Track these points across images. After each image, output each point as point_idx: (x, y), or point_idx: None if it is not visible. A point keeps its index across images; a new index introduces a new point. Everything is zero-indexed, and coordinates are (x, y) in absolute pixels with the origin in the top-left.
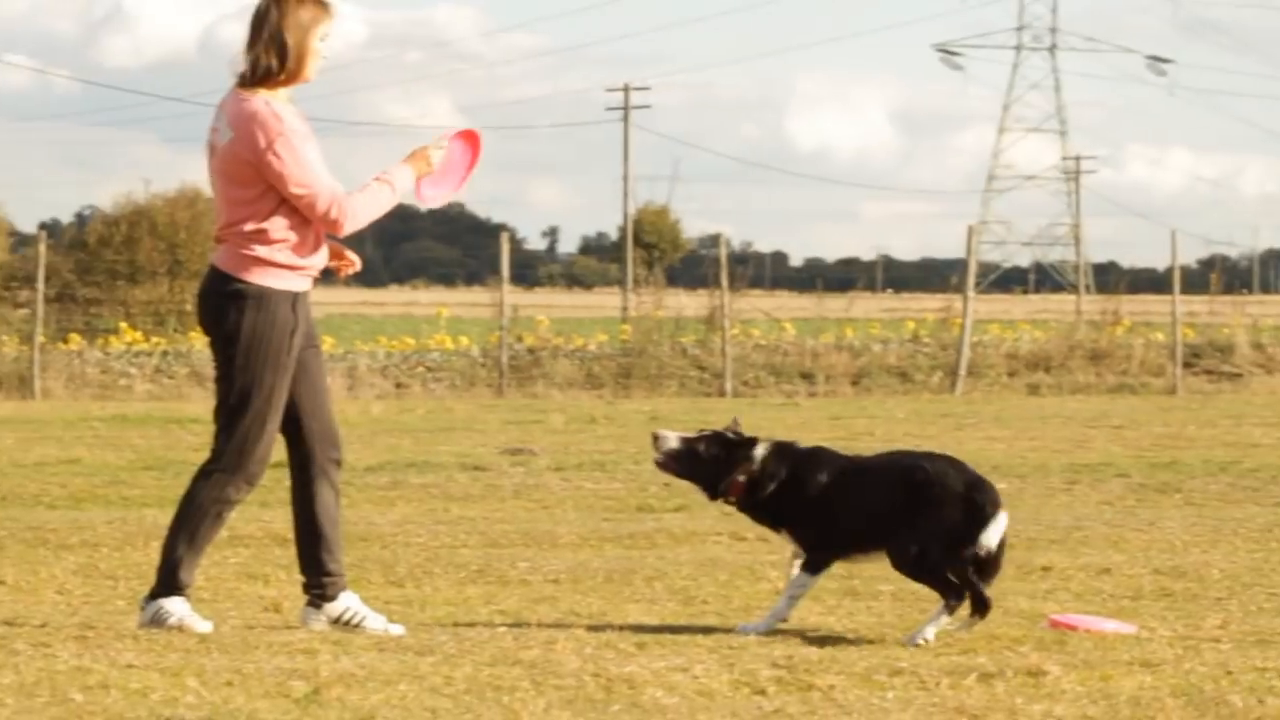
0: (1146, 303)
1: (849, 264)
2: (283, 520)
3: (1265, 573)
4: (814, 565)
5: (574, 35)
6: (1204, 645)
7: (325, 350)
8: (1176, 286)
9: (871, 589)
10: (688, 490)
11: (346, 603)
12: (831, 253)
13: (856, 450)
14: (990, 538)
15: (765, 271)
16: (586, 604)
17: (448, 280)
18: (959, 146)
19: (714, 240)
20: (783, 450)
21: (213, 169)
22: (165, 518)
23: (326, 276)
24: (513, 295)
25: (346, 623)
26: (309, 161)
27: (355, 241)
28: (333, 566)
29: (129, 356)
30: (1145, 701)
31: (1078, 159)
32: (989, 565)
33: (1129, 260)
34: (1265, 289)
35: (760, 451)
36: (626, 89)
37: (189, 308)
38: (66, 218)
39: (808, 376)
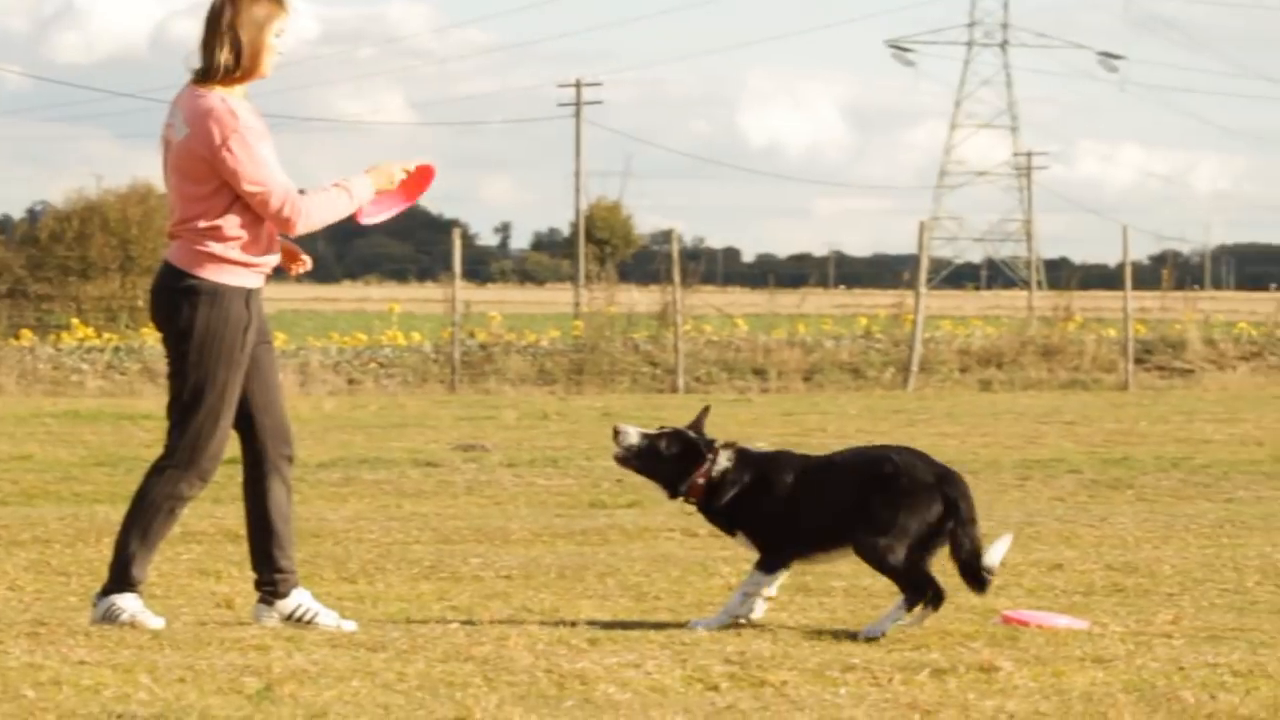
0: (1098, 299)
1: (801, 260)
2: (235, 516)
3: (1216, 568)
4: (769, 565)
5: (525, 31)
6: (1156, 641)
7: (277, 346)
8: (1128, 283)
9: (824, 585)
10: (642, 485)
11: (298, 599)
12: (783, 249)
13: (810, 447)
14: (994, 557)
15: (717, 267)
16: (539, 600)
17: (400, 276)
18: (911, 142)
19: (666, 236)
20: (745, 455)
21: (168, 164)
22: (117, 514)
23: (278, 274)
24: (465, 291)
25: (299, 619)
26: (263, 159)
27: (307, 236)
28: (284, 563)
29: (81, 352)
30: (1097, 697)
31: (1029, 155)
32: (984, 580)
33: (1081, 256)
34: (1217, 285)
35: (722, 455)
36: (578, 85)
37: (141, 304)
38: (18, 213)
39: (760, 373)
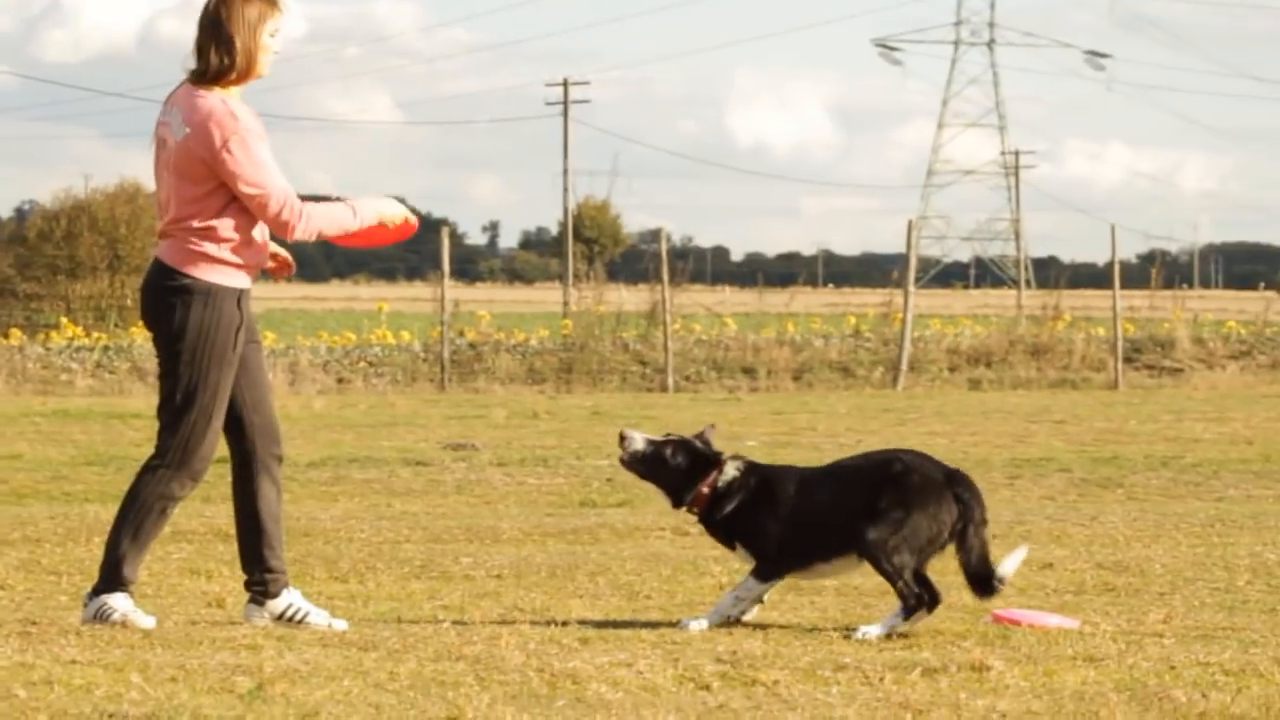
0: (1087, 298)
1: (790, 259)
2: (225, 515)
3: (1207, 567)
4: (765, 573)
5: (513, 30)
6: (1147, 640)
7: (267, 345)
8: (1116, 281)
9: (815, 584)
10: (635, 485)
11: (289, 599)
12: (772, 248)
13: (799, 446)
14: (1008, 568)
15: (706, 266)
16: (530, 599)
17: (389, 275)
18: (898, 141)
19: (654, 235)
20: (751, 468)
21: (162, 162)
22: (107, 513)
23: (263, 276)
24: (454, 290)
25: (289, 619)
26: (263, 161)
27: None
28: (274, 563)
29: (70, 351)
30: (1089, 696)
31: (1017, 154)
32: (993, 589)
33: (1069, 255)
34: (1205, 284)
35: (729, 466)
36: (566, 84)
37: (130, 303)
38: (6, 213)
39: (749, 371)
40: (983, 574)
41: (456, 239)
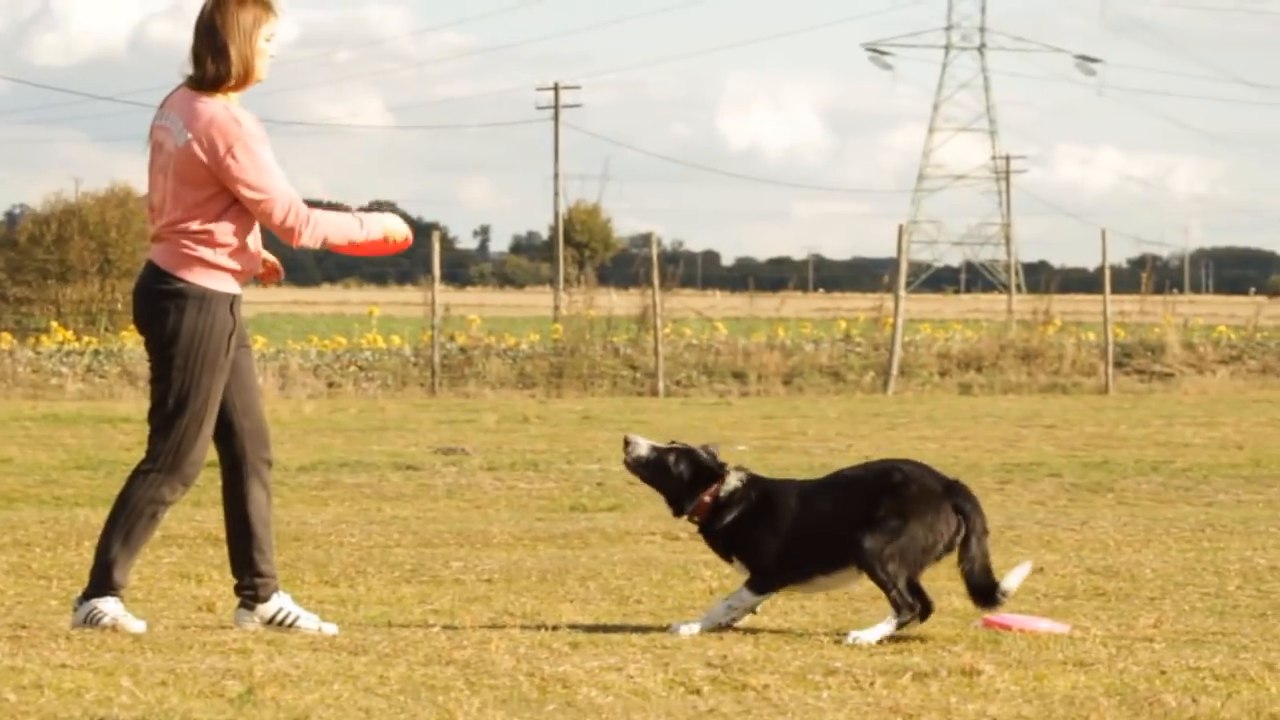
0: (1077, 302)
1: (780, 263)
2: (216, 520)
3: (1198, 572)
4: (759, 586)
5: (504, 34)
6: (1137, 645)
7: (257, 350)
8: (1107, 286)
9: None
10: (621, 489)
11: (279, 603)
12: (763, 252)
13: (790, 450)
14: (1012, 582)
15: (697, 271)
16: (520, 603)
17: (379, 279)
18: (889, 146)
19: (645, 239)
20: (754, 480)
21: (157, 166)
22: (97, 517)
23: (252, 282)
24: (444, 294)
25: (280, 623)
26: (267, 166)
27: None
28: (264, 567)
29: (60, 356)
30: (1079, 701)
31: (1007, 158)
32: (995, 601)
33: (1060, 260)
34: (1196, 289)
35: (732, 476)
36: (556, 88)
37: (120, 307)
38: None
39: (740, 376)
40: (985, 585)
41: (447, 243)
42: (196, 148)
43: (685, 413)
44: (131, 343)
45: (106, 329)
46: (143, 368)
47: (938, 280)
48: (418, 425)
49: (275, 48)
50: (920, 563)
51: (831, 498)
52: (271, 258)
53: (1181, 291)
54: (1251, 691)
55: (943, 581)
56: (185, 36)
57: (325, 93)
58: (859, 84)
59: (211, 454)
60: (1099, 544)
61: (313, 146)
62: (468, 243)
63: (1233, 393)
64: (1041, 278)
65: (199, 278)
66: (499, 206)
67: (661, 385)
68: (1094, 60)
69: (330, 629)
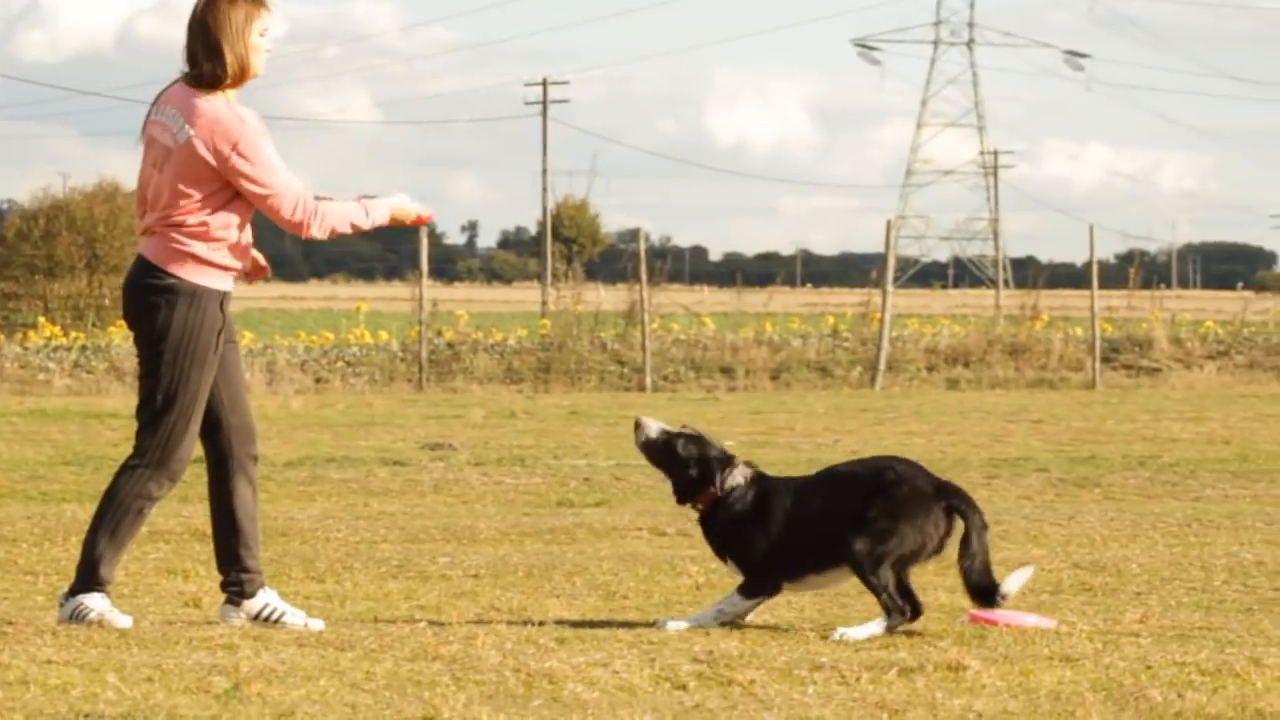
0: (1065, 297)
1: (768, 259)
2: (202, 515)
3: (1184, 567)
4: (750, 589)
5: (492, 30)
6: (1123, 640)
7: (244, 345)
8: (1095, 281)
9: None
10: (608, 484)
11: (265, 599)
12: (751, 247)
13: (777, 446)
14: (1013, 585)
15: (684, 266)
16: (507, 599)
17: (367, 275)
18: (877, 141)
19: (633, 235)
20: (759, 479)
21: (151, 161)
22: (84, 513)
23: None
24: (432, 290)
25: (266, 618)
26: (272, 162)
27: (274, 234)
28: (250, 563)
29: (47, 351)
30: (1065, 696)
31: (995, 154)
32: (995, 603)
33: (1047, 255)
34: (1183, 284)
35: (737, 473)
36: (545, 83)
37: (108, 302)
38: None
39: (727, 371)
40: (985, 585)
41: (435, 238)
42: (200, 145)
43: (673, 408)
44: (119, 338)
45: (94, 324)
46: (130, 363)
47: (926, 275)
48: (405, 421)
49: (270, 42)
50: (909, 564)
51: (824, 496)
52: (259, 256)
53: (1169, 287)
54: (1237, 686)
55: (929, 577)
56: (173, 32)
57: (313, 88)
58: (847, 79)
59: (197, 449)
60: (1086, 539)
61: (300, 142)
62: (456, 238)
63: (1220, 388)
64: (1029, 273)
65: (191, 274)
66: (487, 202)
67: (649, 380)
68: (1082, 56)
69: (316, 624)
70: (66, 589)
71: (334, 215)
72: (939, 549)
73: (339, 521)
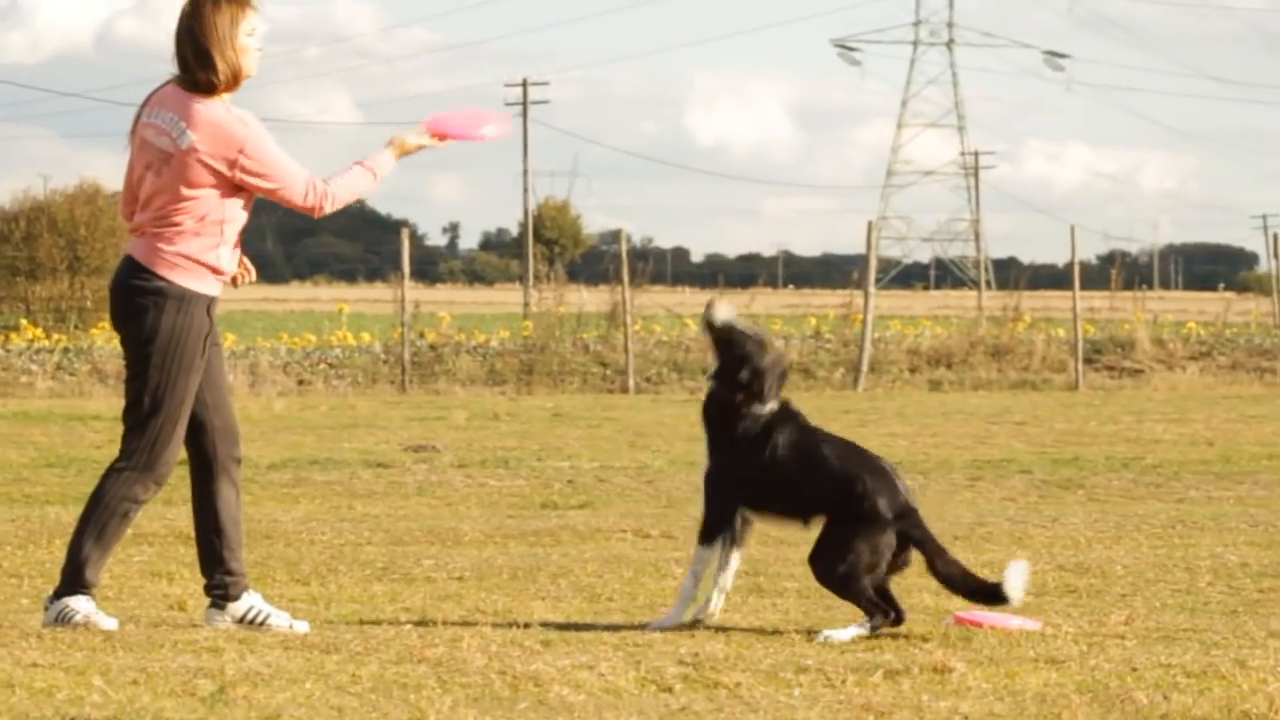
0: (1047, 298)
1: (750, 260)
2: (186, 518)
3: (1169, 568)
4: (706, 534)
5: (472, 31)
6: (1109, 642)
7: (227, 347)
8: (1076, 282)
9: (777, 586)
10: (592, 485)
11: (249, 601)
12: (732, 248)
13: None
14: (1015, 586)
15: (667, 267)
16: (491, 601)
17: (349, 276)
18: (858, 142)
19: (615, 236)
20: (786, 412)
21: (146, 163)
22: (68, 515)
23: None
24: (414, 291)
25: (251, 621)
26: (278, 157)
27: (256, 236)
28: (234, 565)
29: (30, 354)
30: (1051, 698)
31: (976, 154)
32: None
33: (1029, 256)
34: (1165, 285)
35: (767, 409)
36: (525, 84)
37: (90, 304)
38: None
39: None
40: (979, 586)
41: (416, 240)
42: (204, 151)
43: (656, 409)
44: (101, 340)
45: (76, 326)
46: (113, 365)
47: (907, 276)
48: (388, 423)
49: (259, 41)
50: (879, 568)
51: (813, 457)
52: (244, 259)
53: (1151, 288)
54: (1223, 688)
55: (911, 579)
56: (152, 33)
57: (293, 89)
58: (827, 80)
59: (180, 452)
60: (1070, 541)
61: (282, 144)
62: (437, 239)
63: (1203, 389)
64: (1011, 274)
65: (180, 278)
66: (468, 203)
67: (632, 382)
68: (1062, 56)
69: (301, 627)
70: (51, 592)
71: (344, 190)
72: (895, 568)
73: (323, 524)
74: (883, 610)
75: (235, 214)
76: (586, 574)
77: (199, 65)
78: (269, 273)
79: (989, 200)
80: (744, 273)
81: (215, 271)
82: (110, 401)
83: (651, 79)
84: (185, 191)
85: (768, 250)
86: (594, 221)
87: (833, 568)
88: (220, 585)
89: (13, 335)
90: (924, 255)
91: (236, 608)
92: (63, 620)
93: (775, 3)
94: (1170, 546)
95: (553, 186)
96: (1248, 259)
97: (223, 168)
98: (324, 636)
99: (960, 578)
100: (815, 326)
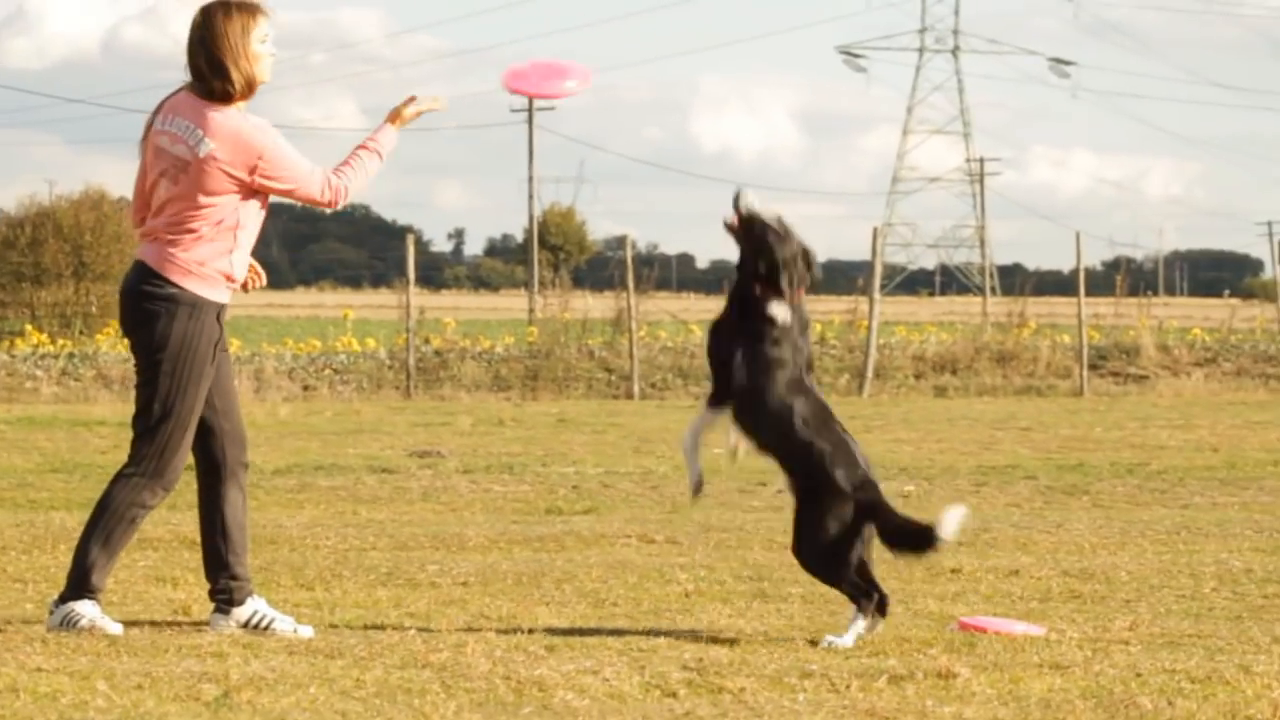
0: (1052, 305)
1: None
2: (191, 523)
3: (1173, 574)
4: (715, 398)
5: (477, 37)
6: (1113, 647)
7: (232, 353)
8: (1081, 288)
9: (781, 591)
10: (596, 491)
11: (254, 606)
12: (737, 255)
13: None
14: (947, 528)
15: (672, 273)
16: (496, 607)
17: (354, 282)
18: (863, 148)
19: (620, 242)
20: (791, 325)
21: (160, 170)
22: (73, 520)
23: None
24: (419, 297)
25: (255, 626)
26: (295, 160)
27: (261, 242)
28: (239, 570)
29: (35, 359)
30: (1055, 704)
31: (981, 161)
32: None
33: (1034, 262)
34: (1170, 291)
35: (782, 309)
36: None
37: (95, 310)
38: None
39: None
40: (911, 528)
41: (422, 246)
42: (224, 160)
43: (661, 415)
44: (106, 346)
45: (81, 332)
46: (118, 370)
47: (912, 283)
48: (393, 428)
49: (272, 47)
50: (853, 547)
51: (789, 412)
52: (255, 263)
53: (1156, 294)
54: (1227, 694)
55: (917, 585)
56: (158, 40)
57: (299, 95)
58: (833, 86)
59: (188, 457)
60: (1074, 546)
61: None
62: (442, 245)
63: (1207, 395)
64: (1016, 280)
65: (193, 284)
66: (473, 209)
67: (637, 388)
68: (1068, 63)
69: (306, 632)
70: (57, 596)
71: (358, 178)
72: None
73: (328, 529)
74: (865, 592)
75: (251, 218)
76: (591, 579)
77: (214, 75)
78: (274, 278)
79: (994, 206)
80: None
81: (227, 279)
82: (115, 407)
83: (657, 85)
84: (203, 199)
85: None
86: (599, 227)
87: (814, 554)
88: (225, 590)
89: (18, 341)
90: (929, 261)
91: (241, 612)
92: (68, 625)
93: (781, 9)
94: (1175, 552)
95: (558, 192)
96: (1253, 265)
97: (243, 174)
98: (328, 641)
99: (897, 528)
100: (820, 333)
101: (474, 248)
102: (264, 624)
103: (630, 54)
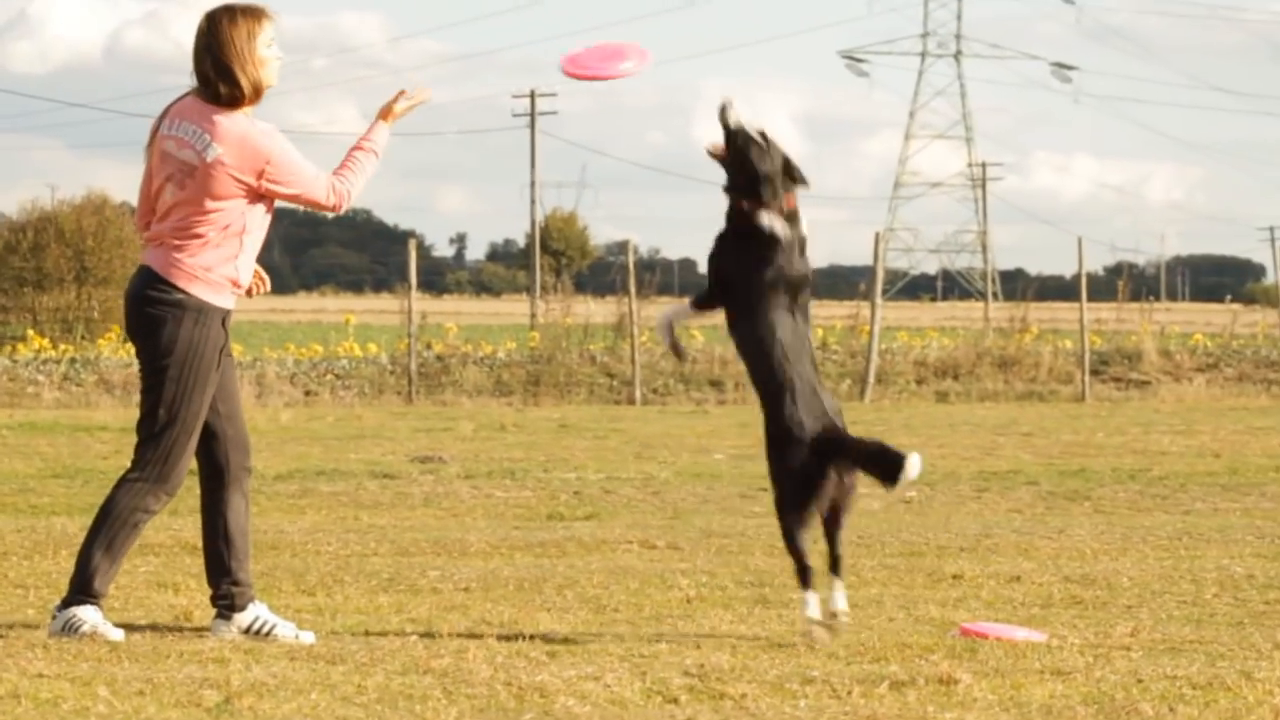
0: (1054, 310)
1: None
2: (193, 528)
3: (1175, 580)
4: (699, 299)
5: (479, 41)
6: (1115, 653)
7: (234, 358)
8: (1084, 294)
9: (782, 597)
10: (598, 497)
11: (255, 612)
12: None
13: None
14: (911, 472)
15: (674, 278)
16: (497, 612)
17: (356, 287)
18: (865, 153)
19: (622, 247)
20: (775, 255)
21: (167, 175)
22: (74, 526)
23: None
24: (421, 302)
25: (256, 632)
26: (301, 166)
27: (264, 248)
28: (241, 576)
29: (37, 364)
30: (1057, 710)
31: (984, 166)
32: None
33: (1036, 267)
34: (1172, 296)
35: (772, 220)
36: (533, 95)
37: (97, 315)
38: None
39: (716, 384)
40: (873, 450)
41: (423, 251)
42: (231, 165)
43: (662, 421)
44: (108, 350)
45: (83, 337)
46: (119, 376)
47: (914, 288)
48: (394, 433)
49: (279, 51)
50: (807, 516)
51: (767, 339)
52: (259, 269)
53: (1158, 299)
54: (1229, 700)
55: (918, 590)
56: (160, 44)
57: (300, 100)
58: (835, 91)
59: (191, 462)
60: (1076, 552)
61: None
62: (444, 250)
63: (1209, 401)
64: (1018, 285)
65: (199, 290)
66: (475, 214)
67: (638, 394)
68: (1070, 68)
69: (307, 638)
70: (58, 602)
71: (359, 180)
72: (829, 493)
73: (329, 535)
74: (804, 580)
75: (257, 223)
76: (592, 585)
77: (221, 80)
78: (276, 283)
79: (996, 212)
80: None
81: (233, 284)
82: (117, 412)
83: (659, 89)
84: (210, 204)
85: None
86: (601, 232)
87: (777, 503)
88: (226, 595)
89: (20, 346)
90: (931, 266)
91: (242, 618)
92: (70, 630)
93: (783, 14)
94: (1176, 558)
95: (560, 197)
96: (1254, 270)
97: (250, 179)
98: (330, 647)
99: (867, 454)
100: (822, 338)
101: (476, 253)
102: (265, 630)
103: None
